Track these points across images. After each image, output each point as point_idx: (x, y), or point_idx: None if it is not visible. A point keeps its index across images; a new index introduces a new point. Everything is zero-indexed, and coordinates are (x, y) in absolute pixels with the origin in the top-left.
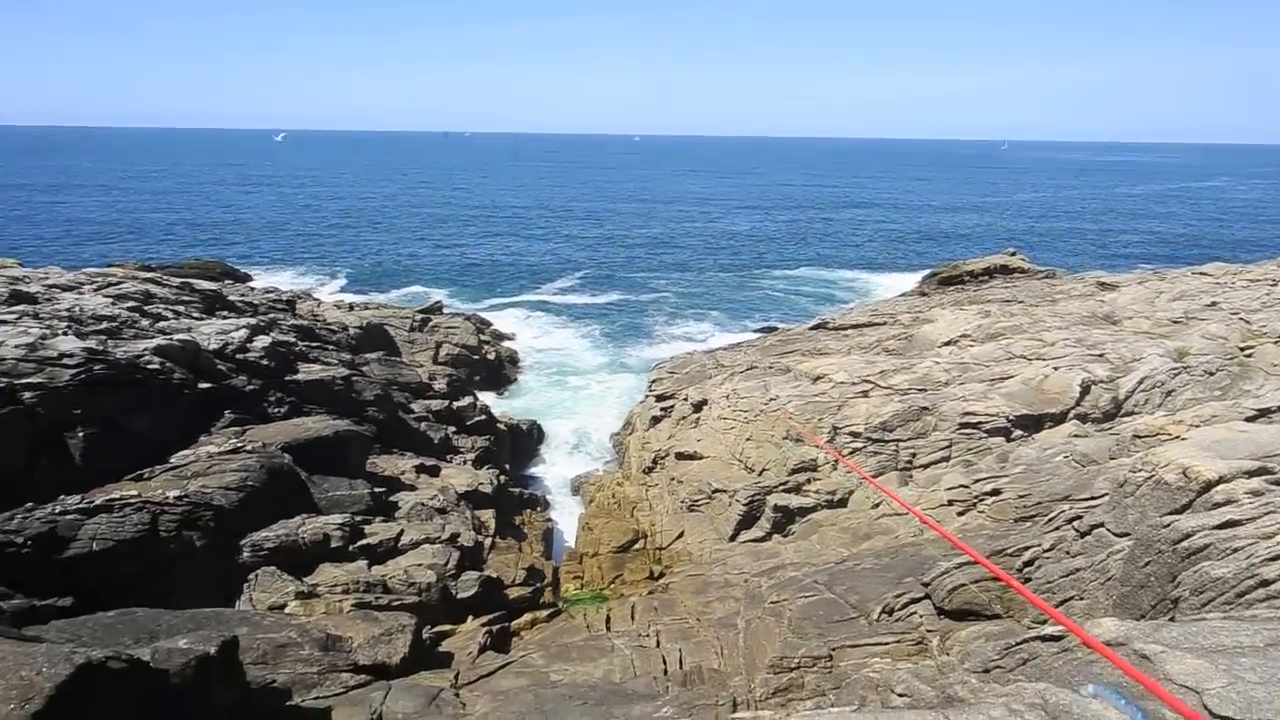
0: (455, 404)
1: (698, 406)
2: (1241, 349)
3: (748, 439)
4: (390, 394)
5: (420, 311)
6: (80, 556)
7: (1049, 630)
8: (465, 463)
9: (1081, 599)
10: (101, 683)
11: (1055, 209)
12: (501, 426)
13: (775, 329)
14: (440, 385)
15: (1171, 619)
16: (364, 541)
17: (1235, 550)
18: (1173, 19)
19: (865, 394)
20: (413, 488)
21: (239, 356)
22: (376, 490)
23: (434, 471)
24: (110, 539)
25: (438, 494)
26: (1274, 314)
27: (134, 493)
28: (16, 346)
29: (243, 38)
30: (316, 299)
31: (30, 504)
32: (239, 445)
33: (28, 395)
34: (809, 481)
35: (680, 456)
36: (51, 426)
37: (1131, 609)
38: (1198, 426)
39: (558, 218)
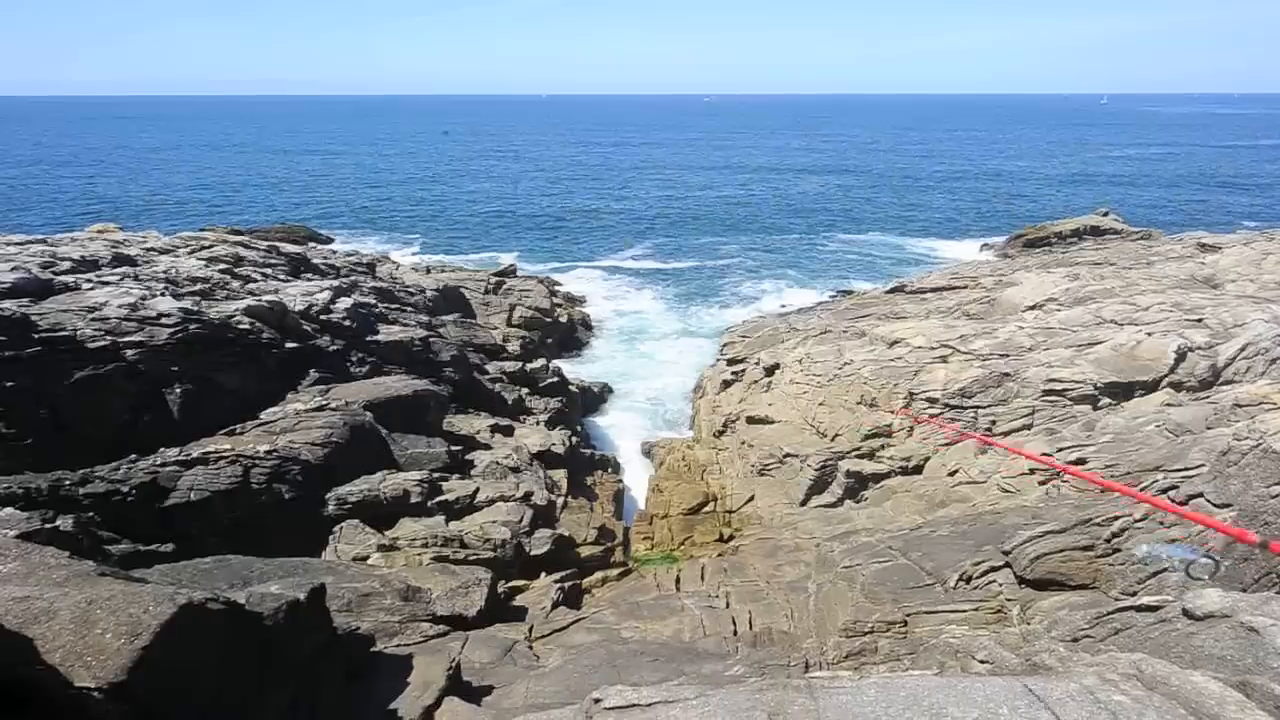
0: (528, 365)
1: (769, 371)
2: None
3: (820, 404)
4: (466, 355)
5: (494, 274)
6: (179, 506)
7: (1146, 600)
8: (538, 423)
9: (1176, 571)
10: (202, 621)
11: (1155, 166)
12: (573, 388)
13: (851, 292)
14: (514, 347)
15: (1279, 593)
16: (441, 498)
17: None
18: None
19: (944, 359)
20: (488, 447)
21: (323, 317)
22: (453, 449)
23: (508, 431)
24: (206, 490)
25: (511, 453)
26: None
27: (228, 446)
28: (120, 306)
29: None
30: (395, 262)
31: (134, 455)
32: (323, 403)
33: (130, 353)
34: (883, 447)
35: (751, 421)
36: (151, 382)
37: (1235, 581)
38: None
39: (629, 180)
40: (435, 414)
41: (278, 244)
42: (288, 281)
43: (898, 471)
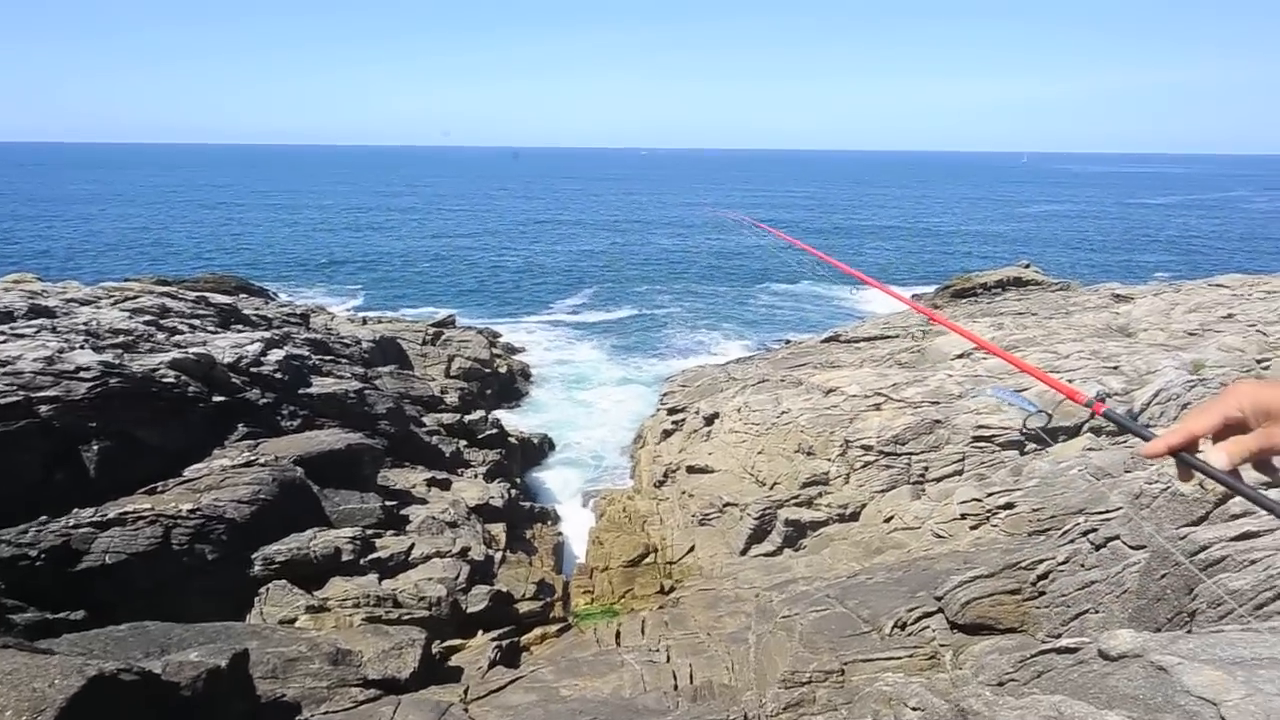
0: (467, 417)
1: (709, 420)
2: (1258, 361)
3: (759, 452)
4: (402, 407)
5: (433, 325)
6: (93, 569)
7: (1065, 643)
8: (476, 476)
9: (1097, 612)
10: (113, 695)
11: (1072, 221)
12: (513, 440)
13: (788, 341)
14: (452, 399)
15: (1189, 632)
16: (375, 555)
17: (1253, 562)
18: (1197, 30)
19: (878, 407)
20: (424, 501)
21: (253, 370)
22: (388, 503)
23: (445, 485)
24: (123, 552)
25: (448, 507)
26: None
27: (148, 506)
28: (34, 360)
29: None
30: (330, 313)
31: (44, 517)
32: (252, 458)
33: (44, 408)
34: (820, 495)
35: (691, 470)
36: (67, 439)
37: (1148, 622)
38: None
39: (567, 232)
40: (369, 468)
41: (207, 295)
42: (217, 333)
43: (835, 519)
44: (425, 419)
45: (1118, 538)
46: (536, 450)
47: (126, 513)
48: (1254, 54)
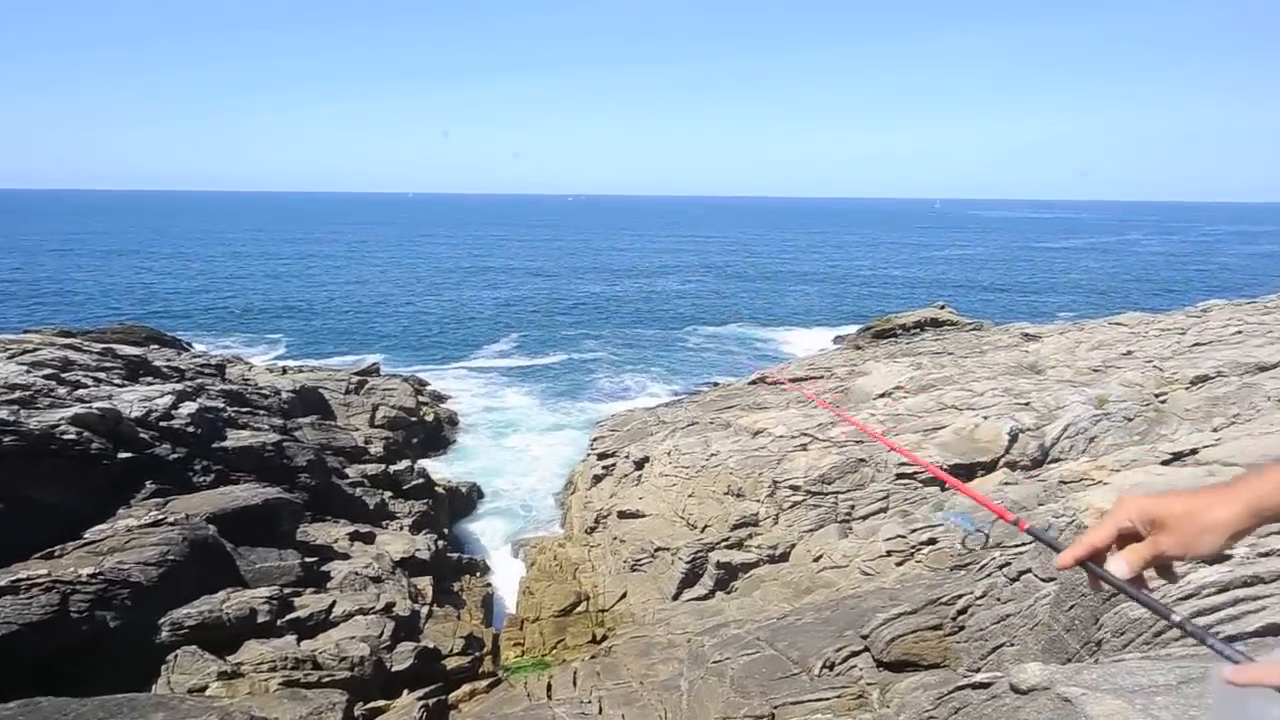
0: (392, 468)
1: (639, 464)
2: (1156, 395)
3: (690, 495)
4: (324, 459)
5: (356, 374)
6: None
7: (979, 678)
8: (402, 528)
9: (1012, 645)
10: None
11: (983, 264)
12: (440, 490)
13: (716, 384)
14: (376, 449)
15: (1095, 661)
16: (293, 615)
17: (1151, 591)
18: (1094, 85)
19: (804, 447)
20: (346, 556)
21: (163, 424)
22: (307, 560)
23: (369, 539)
24: (14, 623)
25: (372, 562)
26: (1184, 361)
27: (43, 572)
28: None
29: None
30: (248, 363)
31: None
32: (160, 517)
33: None
34: (750, 537)
35: (622, 515)
36: None
37: (1059, 653)
38: (1118, 471)
39: (494, 278)
40: (288, 523)
41: (114, 346)
42: (124, 386)
43: (765, 560)
44: (348, 470)
45: (1030, 570)
46: (465, 500)
47: (19, 580)
48: (1145, 108)
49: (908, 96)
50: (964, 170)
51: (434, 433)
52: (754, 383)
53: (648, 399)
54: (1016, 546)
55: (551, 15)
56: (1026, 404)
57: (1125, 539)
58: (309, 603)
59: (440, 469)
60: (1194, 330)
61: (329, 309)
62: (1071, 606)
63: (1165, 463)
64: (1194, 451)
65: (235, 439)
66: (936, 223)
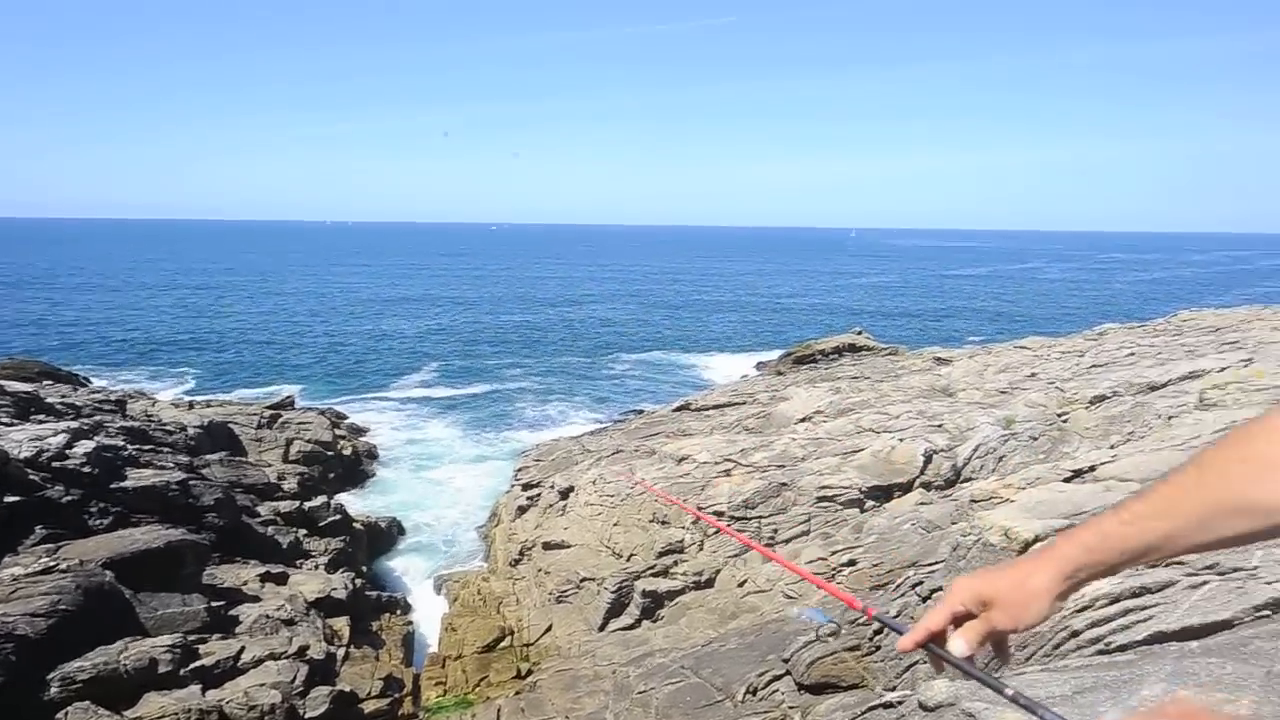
0: (307, 504)
1: (564, 494)
2: (1059, 415)
3: (615, 524)
4: (233, 497)
5: (269, 407)
6: None
7: (889, 697)
8: (317, 567)
9: (925, 663)
10: None
11: (897, 291)
12: (358, 526)
13: (640, 411)
14: (290, 485)
15: (999, 676)
16: (198, 663)
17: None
18: (1000, 120)
19: (728, 473)
20: (256, 599)
21: (56, 464)
22: (214, 604)
23: (281, 579)
24: None
25: (284, 604)
26: (1083, 382)
27: None
28: None
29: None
30: (152, 398)
31: None
32: (51, 564)
33: None
34: (676, 564)
35: (547, 546)
36: None
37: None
38: (1024, 489)
39: (413, 308)
40: (193, 566)
41: (3, 383)
42: (13, 425)
43: (691, 587)
44: (260, 508)
45: (941, 588)
46: (385, 535)
47: None
48: (1042, 145)
49: (826, 127)
50: (878, 201)
51: (352, 467)
52: (678, 409)
53: (572, 427)
54: (929, 566)
55: (471, 45)
56: (939, 426)
57: (961, 619)
58: (215, 649)
59: (359, 504)
60: (1091, 353)
61: (241, 340)
62: None
63: (1067, 480)
64: (1092, 469)
65: (136, 478)
66: (853, 251)
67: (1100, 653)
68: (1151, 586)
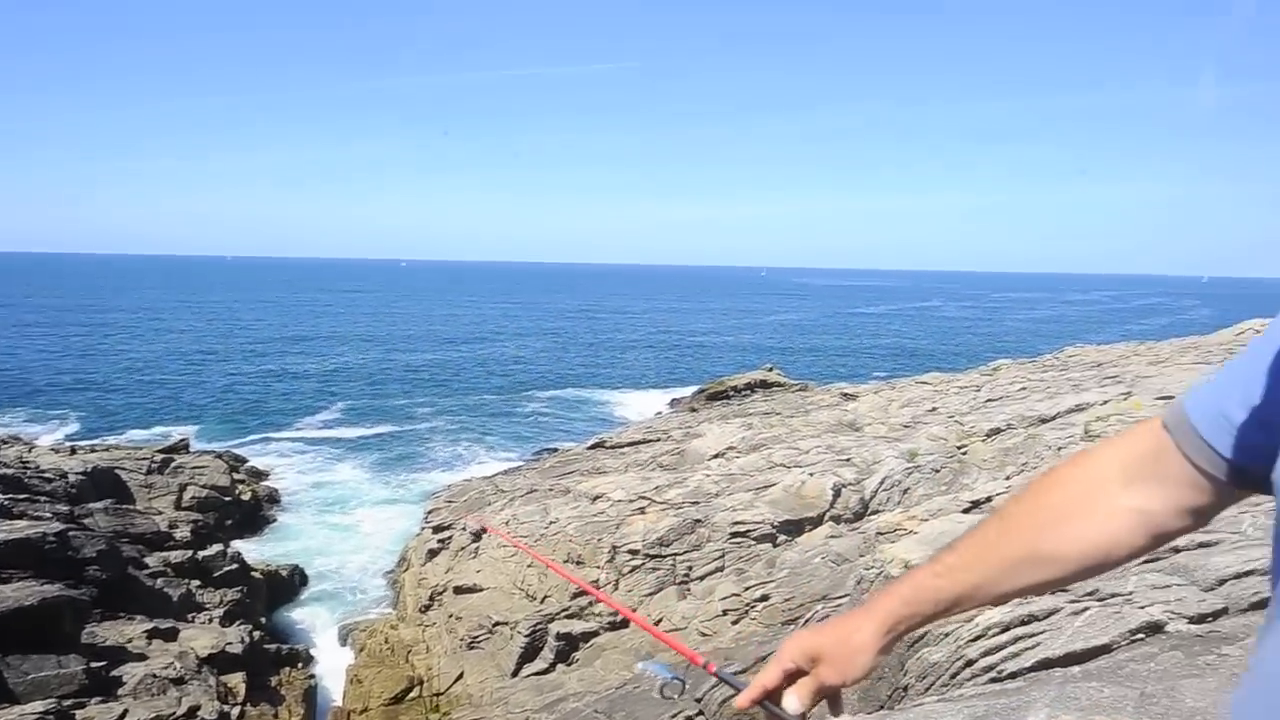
0: (200, 553)
1: (476, 536)
2: (958, 448)
3: (529, 566)
4: (118, 548)
5: (161, 451)
6: None
7: None
8: (211, 620)
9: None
10: None
11: (806, 328)
12: (257, 575)
13: (555, 450)
14: (183, 533)
15: (900, 706)
16: None
17: (946, 635)
18: (897, 168)
19: (642, 510)
20: (143, 657)
21: None
22: (94, 665)
23: (170, 635)
24: None
25: (174, 661)
26: (980, 416)
27: None
28: None
29: None
30: (28, 443)
31: None
32: None
33: None
34: (590, 605)
35: (459, 590)
36: None
37: (873, 700)
38: (926, 520)
39: (319, 346)
40: (71, 624)
41: None
42: None
43: (606, 628)
44: (148, 559)
45: None
46: (286, 584)
47: None
48: (940, 189)
49: (735, 169)
50: (788, 241)
51: (252, 513)
52: (593, 447)
53: (485, 467)
54: (838, 599)
55: (371, 84)
56: (848, 460)
57: (794, 677)
58: (94, 714)
59: (258, 552)
60: (987, 387)
61: (130, 380)
62: None
63: (966, 510)
64: (989, 499)
65: (8, 530)
66: (763, 289)
67: (993, 680)
68: (1039, 614)
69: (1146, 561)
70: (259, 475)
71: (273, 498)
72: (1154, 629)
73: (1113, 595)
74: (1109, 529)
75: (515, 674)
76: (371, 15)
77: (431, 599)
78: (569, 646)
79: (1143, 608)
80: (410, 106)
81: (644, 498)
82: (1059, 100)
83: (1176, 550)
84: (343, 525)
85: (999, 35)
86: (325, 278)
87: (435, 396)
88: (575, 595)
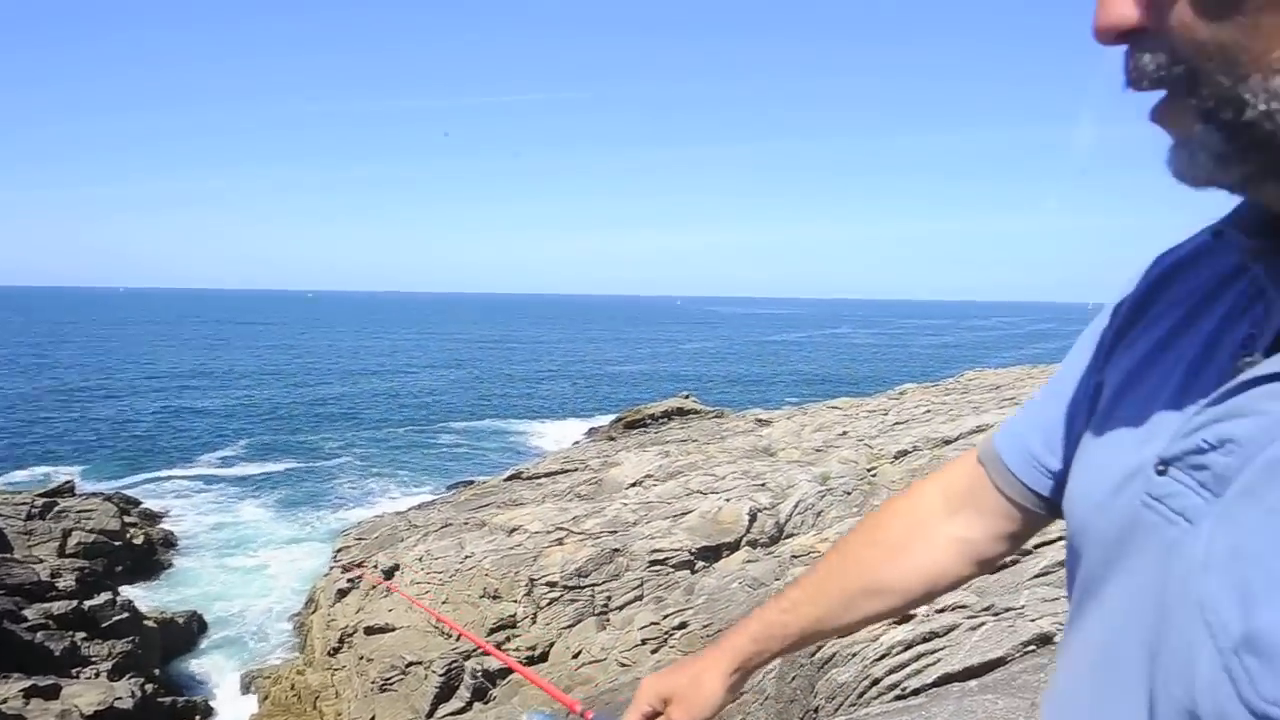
0: (87, 603)
1: (389, 573)
2: (868, 470)
3: (444, 602)
4: None
5: (42, 495)
6: None
7: None
8: (98, 675)
9: (746, 719)
10: None
11: (721, 356)
12: (150, 624)
13: (470, 482)
14: (67, 582)
15: None
16: None
17: (854, 655)
18: (801, 200)
19: (560, 541)
20: (20, 718)
21: None
22: None
23: (51, 693)
24: None
25: None
26: (888, 438)
27: None
28: None
29: None
30: None
31: None
32: None
33: None
34: (508, 639)
35: (370, 631)
36: None
37: None
38: None
39: (218, 381)
40: None
41: None
42: None
43: (524, 662)
44: (26, 611)
45: None
46: (182, 631)
47: None
48: (848, 221)
49: (649, 200)
50: (703, 269)
51: (145, 557)
52: (510, 479)
53: (397, 502)
54: None
55: (284, 109)
56: (763, 485)
57: (652, 718)
58: None
59: (152, 599)
60: (894, 411)
61: (8, 420)
62: (793, 678)
63: None
64: None
65: None
66: (679, 318)
67: (898, 698)
68: (939, 630)
69: (1037, 576)
70: (153, 517)
71: (168, 541)
72: (1044, 640)
73: (1007, 609)
74: (936, 558)
75: (430, 715)
76: (279, 44)
77: (341, 641)
78: (486, 683)
79: (1033, 620)
80: (306, 133)
81: (562, 528)
82: (960, 136)
83: (1062, 564)
84: (245, 568)
85: (904, 72)
86: (226, 309)
87: (344, 430)
88: (492, 630)
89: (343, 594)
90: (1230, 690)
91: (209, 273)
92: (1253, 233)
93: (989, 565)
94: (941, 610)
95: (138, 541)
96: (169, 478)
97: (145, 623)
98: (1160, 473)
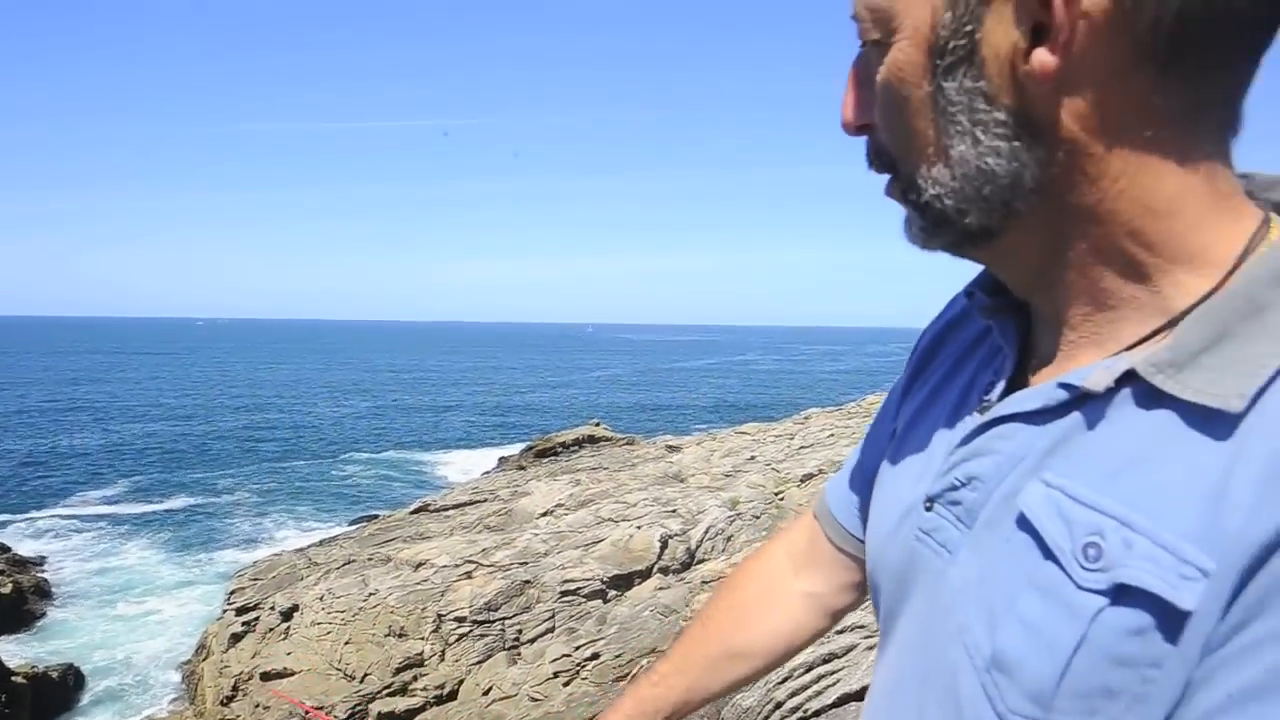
0: None
1: (287, 614)
2: (776, 494)
3: (346, 642)
4: None
5: None
6: None
7: None
8: None
9: None
10: None
11: (632, 383)
12: (19, 680)
13: (375, 517)
14: None
15: None
16: None
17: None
18: (708, 230)
19: (469, 575)
20: None
21: None
22: None
23: None
24: None
25: None
26: (795, 462)
27: None
28: None
29: None
30: None
31: None
32: None
33: None
34: (415, 679)
35: (266, 677)
36: None
37: None
38: None
39: (101, 415)
40: None
41: None
42: None
43: (433, 702)
44: None
45: None
46: (57, 687)
47: None
48: (752, 249)
49: (562, 228)
50: (612, 297)
51: (14, 608)
52: (416, 512)
53: (297, 539)
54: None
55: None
56: (674, 511)
57: None
58: None
59: (23, 653)
60: (800, 435)
61: None
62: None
63: None
64: None
65: None
66: (590, 346)
67: (801, 719)
68: (838, 652)
69: None
70: (23, 565)
71: (41, 589)
72: None
73: None
74: (790, 617)
75: None
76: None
77: (235, 689)
78: None
79: None
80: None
81: (471, 561)
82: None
83: None
84: (130, 615)
85: (815, 106)
86: (104, 339)
87: (240, 465)
88: (398, 670)
89: (237, 638)
90: (987, 706)
91: (83, 300)
92: (990, 291)
93: (841, 615)
94: (841, 631)
95: (6, 590)
96: (42, 520)
97: (13, 679)
98: (928, 508)
